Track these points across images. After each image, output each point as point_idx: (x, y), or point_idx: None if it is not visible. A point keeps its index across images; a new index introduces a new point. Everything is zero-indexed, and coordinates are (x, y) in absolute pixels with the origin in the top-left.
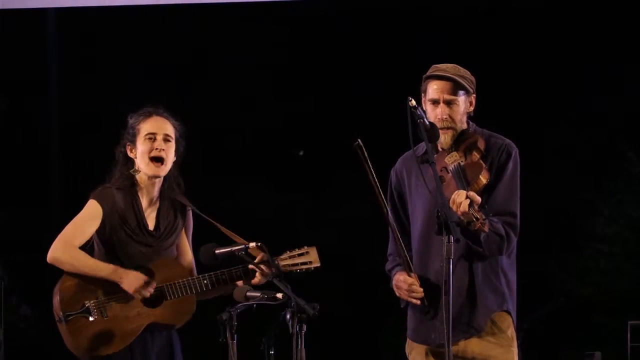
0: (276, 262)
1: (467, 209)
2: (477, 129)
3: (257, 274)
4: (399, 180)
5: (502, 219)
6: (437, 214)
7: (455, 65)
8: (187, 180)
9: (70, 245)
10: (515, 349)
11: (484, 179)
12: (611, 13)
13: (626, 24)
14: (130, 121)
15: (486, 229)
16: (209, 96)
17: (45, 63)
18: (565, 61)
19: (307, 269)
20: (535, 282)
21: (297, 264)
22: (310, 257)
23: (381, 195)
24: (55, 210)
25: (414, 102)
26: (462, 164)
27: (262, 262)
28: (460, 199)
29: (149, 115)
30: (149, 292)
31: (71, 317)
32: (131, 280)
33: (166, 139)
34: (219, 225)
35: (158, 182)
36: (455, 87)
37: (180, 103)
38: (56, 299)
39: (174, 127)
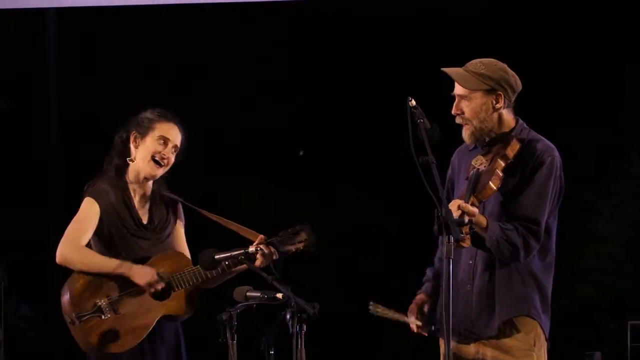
0: (274, 242)
1: (457, 215)
2: (525, 129)
3: (259, 255)
4: (453, 171)
5: (523, 225)
6: (437, 213)
7: (482, 60)
8: (186, 180)
9: (78, 244)
10: (534, 354)
11: (494, 185)
12: (612, 13)
13: (627, 24)
14: (147, 114)
15: (465, 244)
16: (209, 96)
17: (45, 63)
18: (565, 61)
19: (303, 248)
20: None
21: (293, 243)
22: (305, 235)
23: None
24: (55, 210)
25: (414, 102)
26: (480, 170)
27: (261, 243)
28: (452, 209)
29: (168, 119)
30: (160, 285)
31: (84, 318)
32: (143, 274)
33: (174, 149)
34: (209, 214)
35: (150, 182)
36: (469, 82)
37: (180, 103)
38: (66, 301)
39: (182, 139)
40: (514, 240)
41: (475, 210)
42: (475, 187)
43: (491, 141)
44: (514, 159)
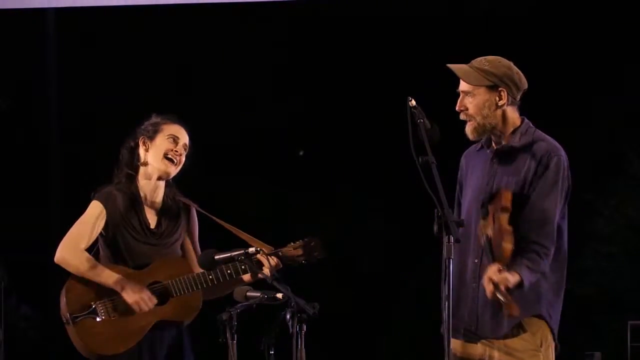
0: (279, 253)
1: (492, 293)
2: (530, 128)
3: (265, 267)
4: (462, 173)
5: (538, 229)
6: (437, 213)
7: (487, 57)
8: (186, 180)
9: (78, 247)
10: (541, 355)
11: (509, 243)
12: (611, 13)
13: (626, 24)
14: (153, 119)
15: (514, 311)
16: (209, 96)
17: (45, 63)
18: (565, 61)
19: (310, 260)
20: None
21: (300, 255)
22: (314, 249)
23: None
24: (55, 210)
25: (414, 102)
26: (489, 235)
27: (267, 254)
28: (485, 283)
29: (173, 121)
30: (147, 307)
31: (79, 319)
32: (132, 293)
33: (184, 147)
34: (221, 222)
35: (161, 186)
36: (472, 78)
37: (180, 103)
38: (63, 301)
39: (189, 141)
40: (542, 270)
41: (505, 277)
42: (493, 253)
43: (483, 204)
44: (513, 202)
